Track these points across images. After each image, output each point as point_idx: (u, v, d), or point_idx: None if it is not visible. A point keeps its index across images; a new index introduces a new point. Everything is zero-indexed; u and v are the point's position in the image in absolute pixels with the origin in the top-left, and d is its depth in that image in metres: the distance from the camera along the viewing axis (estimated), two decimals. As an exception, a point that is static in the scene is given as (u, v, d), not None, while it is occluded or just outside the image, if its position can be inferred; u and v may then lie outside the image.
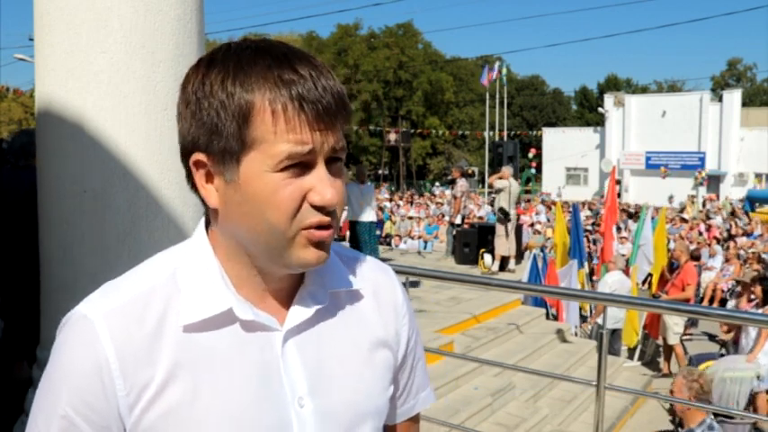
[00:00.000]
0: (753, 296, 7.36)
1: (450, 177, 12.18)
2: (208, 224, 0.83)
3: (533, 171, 38.77)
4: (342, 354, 0.84)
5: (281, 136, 0.70)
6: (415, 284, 7.29)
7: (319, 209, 0.73)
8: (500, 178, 10.17)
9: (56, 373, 0.75)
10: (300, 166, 0.72)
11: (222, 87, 0.71)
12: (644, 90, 52.58)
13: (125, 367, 0.72)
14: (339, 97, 0.73)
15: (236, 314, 0.77)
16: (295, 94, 0.70)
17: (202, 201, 0.78)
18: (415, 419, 1.05)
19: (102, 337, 0.72)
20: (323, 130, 0.72)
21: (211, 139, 0.73)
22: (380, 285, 0.93)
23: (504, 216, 9.81)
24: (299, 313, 0.81)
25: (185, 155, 0.77)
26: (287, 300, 0.82)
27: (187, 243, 0.83)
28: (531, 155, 35.74)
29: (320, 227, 0.74)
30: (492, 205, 12.26)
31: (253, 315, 0.77)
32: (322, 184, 0.73)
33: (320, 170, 0.73)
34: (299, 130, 0.70)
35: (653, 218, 11.10)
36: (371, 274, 0.93)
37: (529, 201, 25.27)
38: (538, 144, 42.73)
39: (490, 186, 10.75)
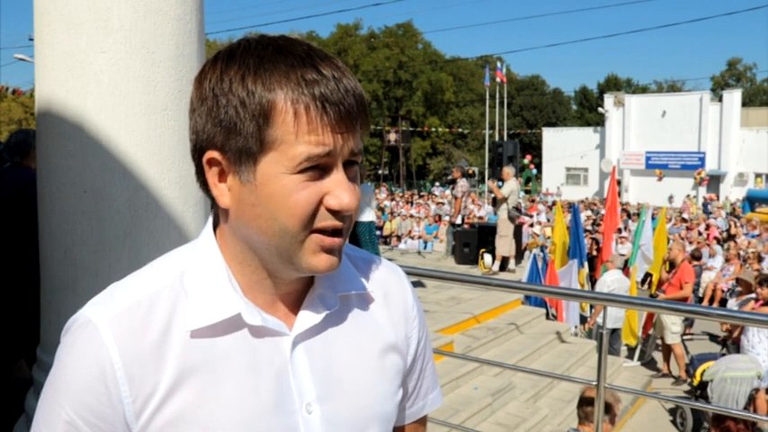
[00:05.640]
0: (756, 295, 7.36)
1: (450, 177, 12.19)
2: (216, 225, 0.80)
3: (534, 172, 38.74)
4: (351, 359, 0.82)
5: (301, 137, 0.68)
6: (415, 284, 7.28)
7: (334, 213, 0.72)
8: (501, 180, 10.16)
9: (60, 377, 0.73)
10: (318, 168, 0.70)
11: (242, 85, 0.69)
12: (644, 90, 52.58)
13: (131, 374, 0.71)
14: (360, 100, 0.72)
15: (245, 319, 0.75)
16: (318, 95, 0.68)
17: (212, 200, 0.76)
18: (423, 421, 1.03)
19: (108, 343, 0.71)
20: (343, 133, 0.70)
21: (228, 138, 0.71)
22: (391, 288, 0.91)
23: (518, 214, 9.82)
24: (308, 318, 0.79)
25: (198, 152, 0.75)
26: (296, 303, 0.81)
27: (195, 244, 0.80)
28: (526, 161, 35.36)
29: (333, 233, 0.73)
30: (493, 206, 12.26)
31: (261, 320, 0.76)
32: (340, 189, 0.71)
33: (339, 174, 0.72)
34: (320, 132, 0.69)
35: (653, 218, 11.10)
36: (382, 277, 0.91)
37: (533, 200, 25.18)
38: (538, 144, 42.69)
39: (492, 192, 10.72)
